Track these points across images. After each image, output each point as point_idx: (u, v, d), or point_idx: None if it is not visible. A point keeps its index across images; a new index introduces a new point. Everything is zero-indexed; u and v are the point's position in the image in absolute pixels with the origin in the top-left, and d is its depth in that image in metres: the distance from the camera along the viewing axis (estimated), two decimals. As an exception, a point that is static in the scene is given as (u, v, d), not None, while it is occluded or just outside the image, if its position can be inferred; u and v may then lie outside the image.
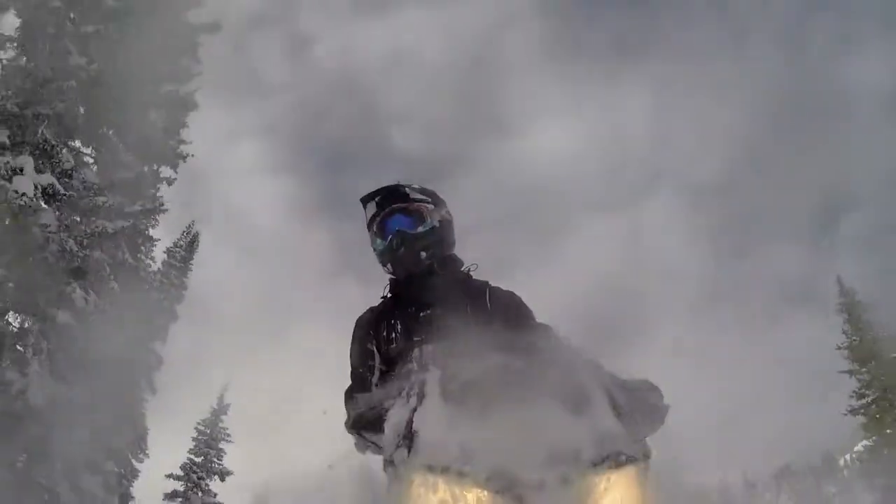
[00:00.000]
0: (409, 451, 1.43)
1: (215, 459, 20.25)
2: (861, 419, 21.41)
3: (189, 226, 18.20)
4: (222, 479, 19.94)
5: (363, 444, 1.83)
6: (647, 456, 1.45)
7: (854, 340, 21.82)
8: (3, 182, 10.39)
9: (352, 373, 2.20)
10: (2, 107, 10.54)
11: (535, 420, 1.38)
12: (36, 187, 10.70)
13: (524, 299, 2.25)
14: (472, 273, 2.33)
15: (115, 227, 12.23)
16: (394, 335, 2.16)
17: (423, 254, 2.22)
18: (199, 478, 19.85)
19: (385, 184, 2.29)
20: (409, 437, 1.45)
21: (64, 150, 11.52)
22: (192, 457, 20.20)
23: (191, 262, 18.29)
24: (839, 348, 22.03)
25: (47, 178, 10.97)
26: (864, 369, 21.47)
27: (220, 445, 20.56)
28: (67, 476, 11.02)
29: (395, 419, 1.53)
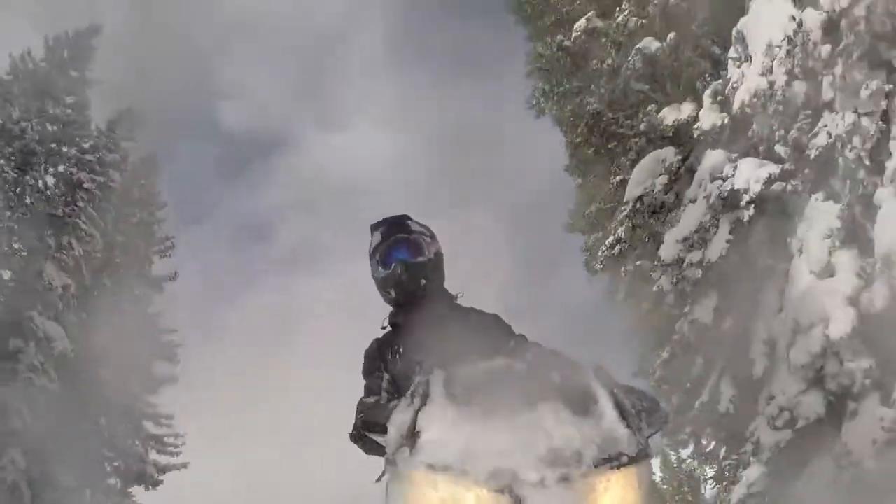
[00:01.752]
0: (410, 451, 1.45)
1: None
2: None
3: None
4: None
5: (368, 447, 1.96)
6: (647, 456, 1.49)
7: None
8: None
9: (365, 389, 2.33)
10: None
11: (538, 420, 1.40)
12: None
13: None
14: (459, 300, 2.47)
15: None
16: (398, 357, 2.29)
17: (423, 281, 2.35)
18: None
19: (390, 214, 2.48)
20: (411, 436, 1.47)
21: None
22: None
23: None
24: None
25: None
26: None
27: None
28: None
29: (398, 420, 1.54)
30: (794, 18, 7.60)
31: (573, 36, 10.78)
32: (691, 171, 8.62)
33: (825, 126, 7.27)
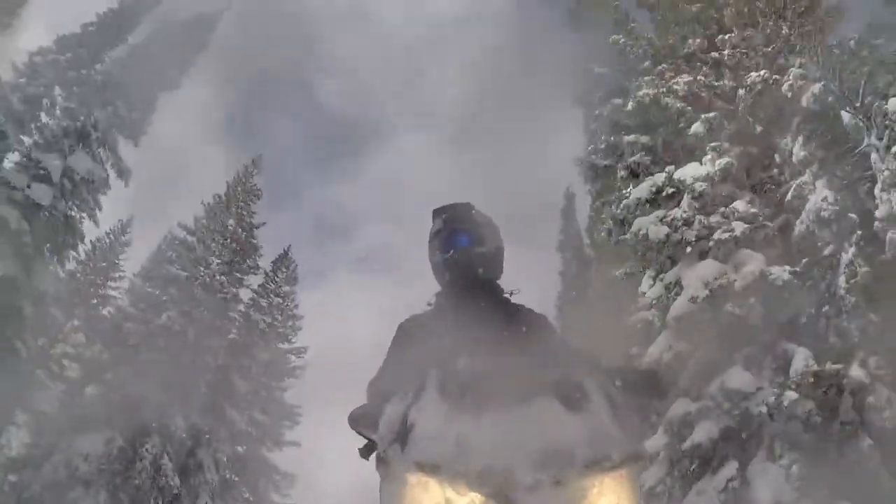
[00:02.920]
0: (402, 448, 1.44)
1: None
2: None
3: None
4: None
5: (366, 447, 1.91)
6: (640, 457, 1.49)
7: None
8: None
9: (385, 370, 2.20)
10: None
11: (531, 419, 1.39)
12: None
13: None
14: (511, 298, 2.42)
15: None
16: (431, 338, 2.14)
17: (480, 270, 2.30)
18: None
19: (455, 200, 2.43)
20: (403, 431, 1.45)
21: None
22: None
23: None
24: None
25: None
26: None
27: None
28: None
29: (390, 414, 1.53)
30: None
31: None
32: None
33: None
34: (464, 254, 2.30)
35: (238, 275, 20.64)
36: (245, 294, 20.84)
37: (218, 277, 19.69)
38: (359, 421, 1.78)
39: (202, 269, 19.76)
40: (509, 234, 2.46)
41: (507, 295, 2.43)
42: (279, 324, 20.51)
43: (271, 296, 20.66)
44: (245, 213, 21.98)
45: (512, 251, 2.49)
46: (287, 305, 21.35)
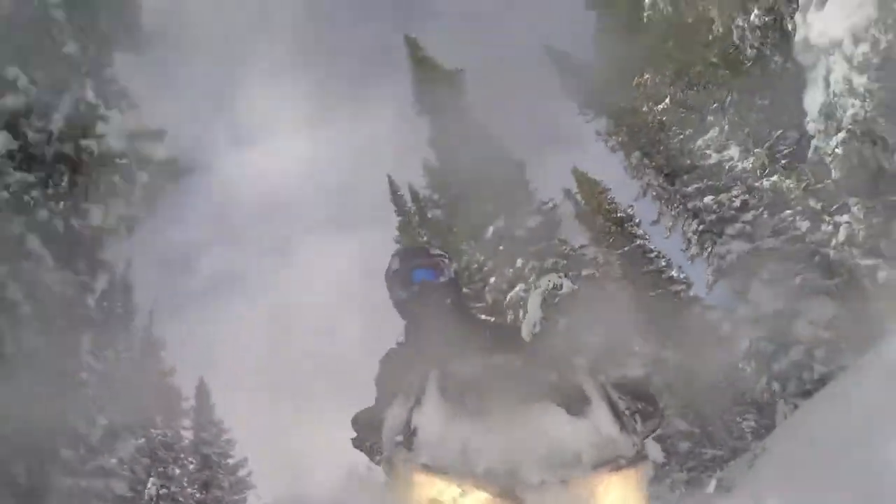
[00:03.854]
0: (408, 451, 1.45)
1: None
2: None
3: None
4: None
5: (361, 442, 1.98)
6: (644, 458, 1.51)
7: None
8: None
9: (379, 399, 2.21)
10: None
11: (536, 422, 1.41)
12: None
13: None
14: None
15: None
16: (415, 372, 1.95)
17: (448, 300, 2.36)
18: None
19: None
20: (408, 435, 1.47)
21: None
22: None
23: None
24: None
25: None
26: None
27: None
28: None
29: (393, 418, 1.55)
30: None
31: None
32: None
33: None
34: (428, 286, 2.36)
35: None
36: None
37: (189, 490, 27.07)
38: (362, 426, 1.91)
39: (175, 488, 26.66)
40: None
41: (479, 316, 2.56)
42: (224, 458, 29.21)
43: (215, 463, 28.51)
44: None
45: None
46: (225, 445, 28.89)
